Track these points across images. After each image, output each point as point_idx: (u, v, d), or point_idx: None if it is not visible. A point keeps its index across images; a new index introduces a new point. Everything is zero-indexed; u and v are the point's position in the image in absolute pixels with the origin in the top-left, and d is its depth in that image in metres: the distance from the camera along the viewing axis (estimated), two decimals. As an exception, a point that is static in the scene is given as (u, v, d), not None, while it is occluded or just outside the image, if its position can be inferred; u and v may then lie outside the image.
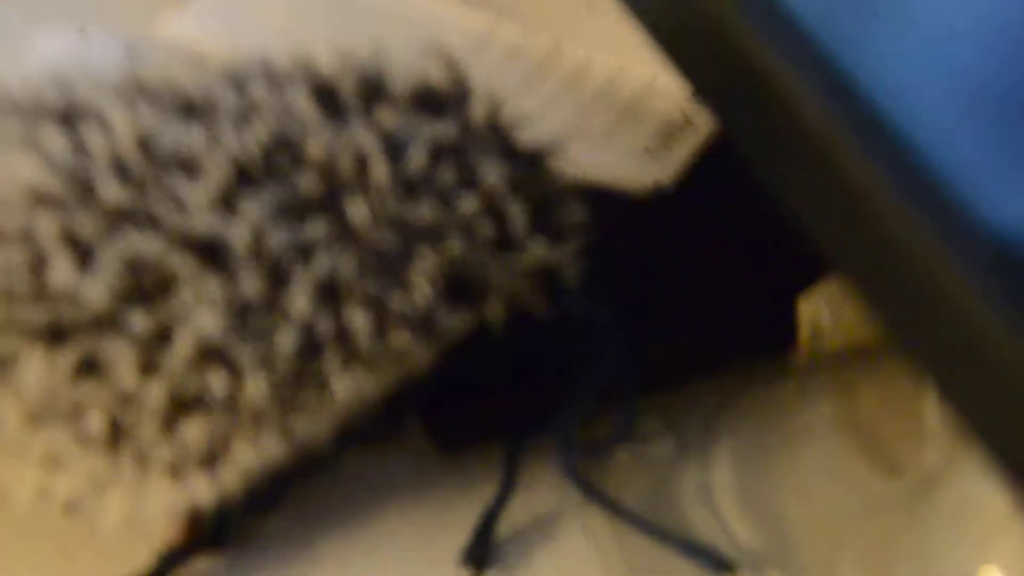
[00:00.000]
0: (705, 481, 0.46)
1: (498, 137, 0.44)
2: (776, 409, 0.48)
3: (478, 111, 0.44)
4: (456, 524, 0.46)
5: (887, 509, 0.44)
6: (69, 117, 0.42)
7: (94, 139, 0.42)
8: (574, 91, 0.54)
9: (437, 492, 0.47)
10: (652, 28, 0.44)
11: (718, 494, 0.46)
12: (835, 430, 0.47)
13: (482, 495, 0.46)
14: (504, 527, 0.46)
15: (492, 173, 0.43)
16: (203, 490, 0.42)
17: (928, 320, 0.35)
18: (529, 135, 0.45)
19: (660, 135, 0.52)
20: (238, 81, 0.44)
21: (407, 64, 0.45)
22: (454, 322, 0.43)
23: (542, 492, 0.46)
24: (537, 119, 0.51)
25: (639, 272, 0.48)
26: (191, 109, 0.43)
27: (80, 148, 0.42)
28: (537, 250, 0.44)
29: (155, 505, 0.42)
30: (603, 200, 0.50)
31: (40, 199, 0.41)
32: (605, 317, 0.46)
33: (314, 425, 0.43)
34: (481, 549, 0.45)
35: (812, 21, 0.39)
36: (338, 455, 0.45)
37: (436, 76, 0.44)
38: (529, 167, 0.45)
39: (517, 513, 0.46)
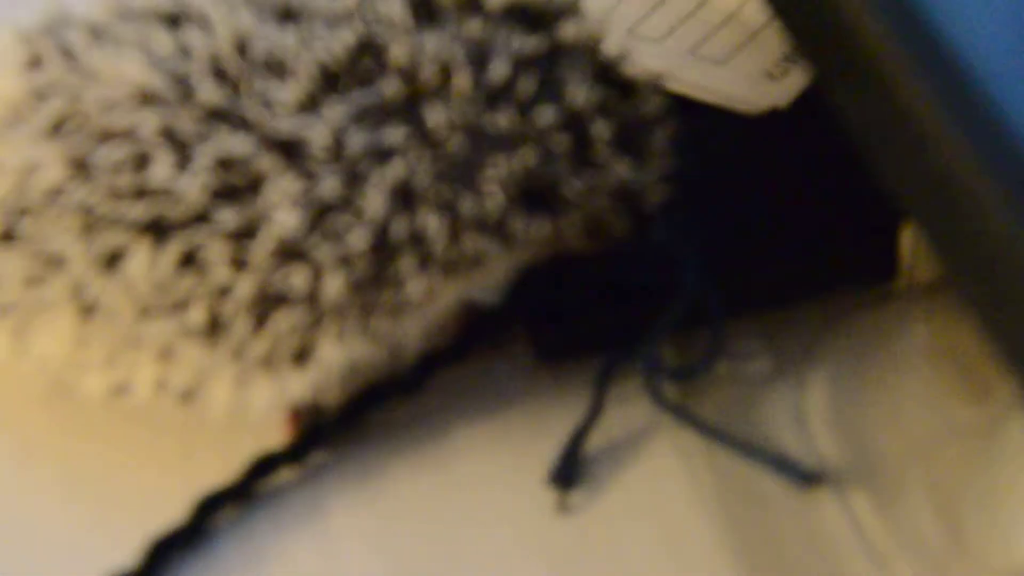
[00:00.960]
0: (798, 402, 0.47)
1: (591, 60, 0.45)
2: (874, 335, 0.48)
3: (572, 31, 0.45)
4: (550, 442, 0.47)
5: (968, 436, 0.45)
6: (177, 20, 0.45)
7: (196, 41, 0.44)
8: (700, 14, 0.54)
9: (532, 407, 0.48)
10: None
11: (810, 416, 0.47)
12: (929, 357, 0.47)
13: (577, 414, 0.47)
14: (595, 446, 0.47)
15: (579, 92, 0.44)
16: (296, 386, 0.44)
17: (968, 247, 0.36)
18: (630, 65, 0.46)
19: (782, 59, 0.53)
20: None
21: None
22: (530, 230, 0.44)
23: (635, 411, 0.47)
24: (658, 40, 0.53)
25: (745, 194, 0.49)
26: (288, 13, 0.44)
27: (183, 50, 0.44)
28: (618, 170, 0.45)
29: (256, 398, 0.45)
30: (715, 120, 0.51)
31: (145, 98, 0.43)
32: (687, 242, 0.46)
33: (399, 328, 0.45)
34: (567, 468, 0.46)
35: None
36: (433, 368, 0.47)
37: None
38: (621, 92, 0.45)
39: (609, 432, 0.47)
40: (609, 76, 0.46)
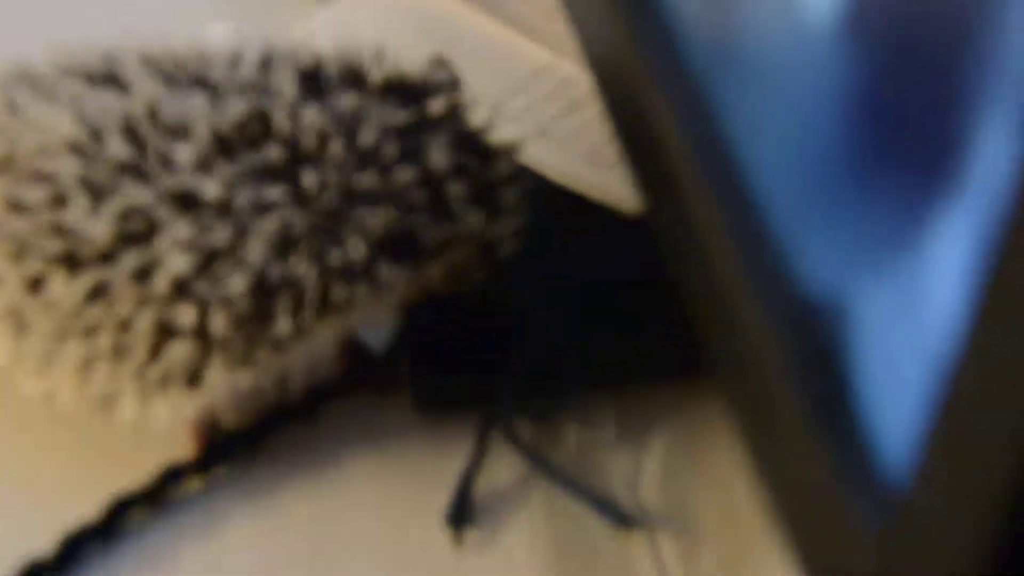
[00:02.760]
0: (636, 466, 0.54)
1: (454, 129, 0.53)
2: (710, 416, 0.55)
3: (437, 106, 0.53)
4: (436, 482, 0.54)
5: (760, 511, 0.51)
6: (106, 80, 0.52)
7: (115, 102, 0.51)
8: (601, 126, 0.61)
9: (418, 449, 0.55)
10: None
11: (642, 477, 0.54)
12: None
13: (461, 455, 0.55)
14: (482, 489, 0.54)
15: (437, 156, 0.52)
16: (192, 405, 0.52)
17: (733, 362, 0.41)
18: (494, 136, 0.54)
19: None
20: (235, 62, 0.53)
21: (413, 64, 0.54)
22: (394, 276, 0.52)
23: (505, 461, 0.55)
24: (563, 141, 0.60)
25: (603, 282, 0.56)
26: (199, 82, 0.52)
27: (104, 109, 0.51)
28: (471, 223, 0.52)
29: (158, 413, 0.52)
30: (592, 214, 0.58)
31: (70, 148, 0.51)
32: (540, 293, 0.54)
33: (284, 360, 0.52)
34: (460, 510, 0.53)
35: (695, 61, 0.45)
36: (321, 400, 0.55)
37: (418, 74, 0.53)
38: (480, 157, 0.53)
39: (496, 476, 0.54)
40: (470, 143, 0.53)
